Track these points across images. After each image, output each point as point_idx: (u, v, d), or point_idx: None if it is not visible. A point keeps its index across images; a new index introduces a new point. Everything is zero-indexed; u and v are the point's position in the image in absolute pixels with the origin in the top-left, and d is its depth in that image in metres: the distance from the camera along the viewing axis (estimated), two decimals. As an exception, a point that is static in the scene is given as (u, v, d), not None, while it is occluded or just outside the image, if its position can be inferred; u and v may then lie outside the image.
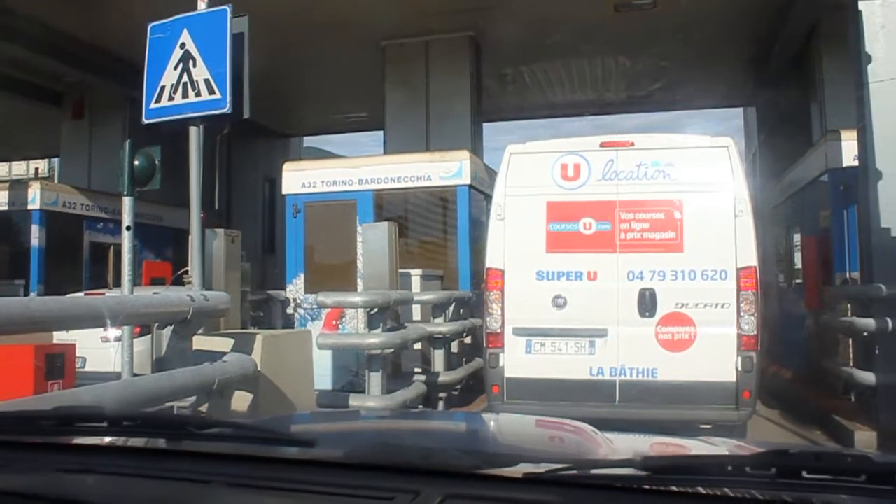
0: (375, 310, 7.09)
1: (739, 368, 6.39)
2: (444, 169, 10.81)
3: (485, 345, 7.01)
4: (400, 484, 1.31)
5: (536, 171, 6.93)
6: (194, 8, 6.26)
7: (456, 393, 9.22)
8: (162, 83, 6.17)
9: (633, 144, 6.91)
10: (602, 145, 6.94)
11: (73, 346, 6.88)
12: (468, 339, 9.96)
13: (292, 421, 2.32)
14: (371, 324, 7.13)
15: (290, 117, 20.99)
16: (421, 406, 8.17)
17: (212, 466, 1.40)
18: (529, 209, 6.86)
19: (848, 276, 9.59)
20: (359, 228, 10.21)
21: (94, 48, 14.57)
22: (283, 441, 1.49)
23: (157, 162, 6.64)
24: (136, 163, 6.56)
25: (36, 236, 13.82)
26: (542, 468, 1.33)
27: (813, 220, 11.01)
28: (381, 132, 15.60)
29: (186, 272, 7.27)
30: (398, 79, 14.78)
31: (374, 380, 6.98)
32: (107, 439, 1.62)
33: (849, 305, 8.89)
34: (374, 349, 7.00)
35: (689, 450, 1.95)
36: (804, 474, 1.26)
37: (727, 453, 1.82)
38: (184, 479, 1.38)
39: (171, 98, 6.14)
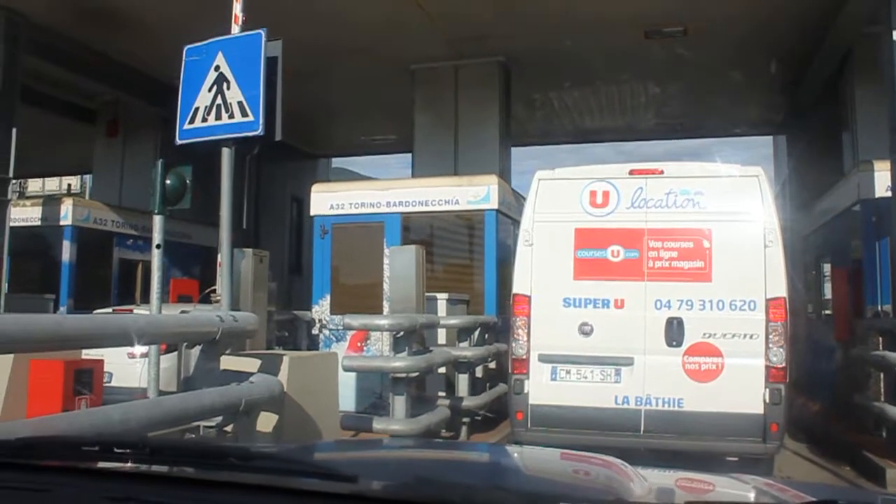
0: (401, 333, 7.09)
1: (767, 401, 6.31)
2: (472, 193, 10.83)
3: (510, 370, 6.98)
4: None
5: (565, 197, 6.93)
6: (229, 31, 6.35)
7: (479, 418, 9.18)
8: (196, 104, 6.25)
9: (662, 172, 6.89)
10: (631, 173, 6.93)
11: (101, 362, 6.94)
12: (493, 365, 9.92)
13: (329, 451, 2.32)
14: (396, 347, 7.14)
15: (319, 138, 21.14)
16: (444, 430, 8.14)
17: (252, 498, 1.41)
18: (557, 235, 6.85)
19: (880, 308, 9.47)
20: (386, 251, 10.24)
21: (130, 69, 14.79)
22: (326, 475, 1.50)
23: (187, 182, 6.70)
24: (168, 182, 6.62)
25: (67, 251, 13.99)
26: None
27: (844, 250, 10.89)
28: (410, 155, 15.66)
29: (214, 290, 7.32)
30: (427, 102, 14.85)
31: (399, 403, 6.98)
32: (149, 467, 1.63)
33: (880, 339, 8.76)
34: (398, 372, 7.00)
35: (717, 489, 1.93)
36: None
37: (755, 494, 1.80)
38: None
39: (204, 119, 6.22)
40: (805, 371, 11.69)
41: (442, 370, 8.79)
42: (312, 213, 11.60)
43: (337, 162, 25.02)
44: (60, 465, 1.63)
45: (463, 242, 11.36)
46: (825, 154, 14.63)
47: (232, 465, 1.54)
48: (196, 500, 1.44)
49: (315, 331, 11.35)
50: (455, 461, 2.16)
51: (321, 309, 11.20)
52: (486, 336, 9.71)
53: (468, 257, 11.26)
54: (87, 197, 21.46)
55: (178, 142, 6.39)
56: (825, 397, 10.90)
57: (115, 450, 1.67)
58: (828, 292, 11.74)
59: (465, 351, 8.92)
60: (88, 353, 6.76)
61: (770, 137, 21.33)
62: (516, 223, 7.66)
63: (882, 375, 8.88)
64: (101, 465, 1.63)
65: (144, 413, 3.89)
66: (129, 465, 1.63)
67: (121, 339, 4.28)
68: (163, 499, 1.47)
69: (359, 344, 10.47)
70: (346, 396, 8.46)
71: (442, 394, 9.06)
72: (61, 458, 1.66)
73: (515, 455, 2.74)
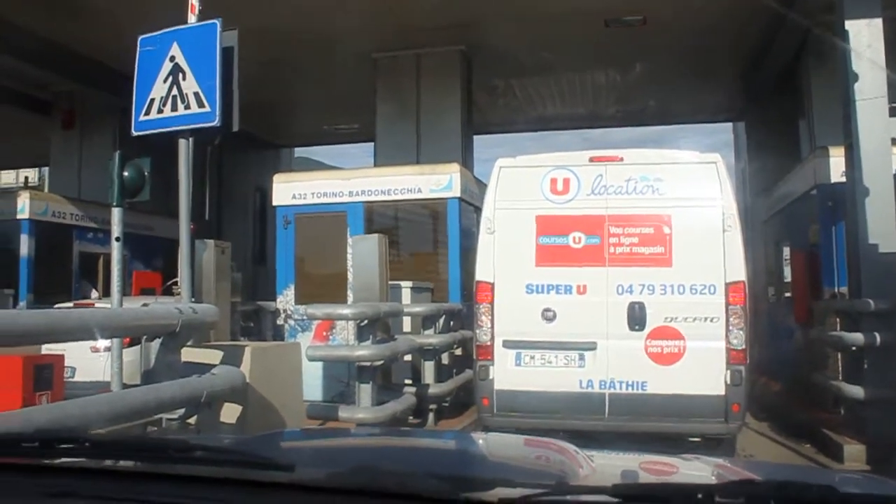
0: (365, 322, 7.09)
1: (728, 382, 6.41)
2: (435, 181, 10.82)
3: (475, 357, 7.03)
4: None
5: (526, 184, 6.96)
6: (184, 21, 6.27)
7: (446, 405, 9.21)
8: (151, 96, 6.17)
9: (622, 159, 6.95)
10: (591, 160, 6.98)
11: (61, 357, 6.87)
12: (458, 352, 9.95)
13: (274, 442, 2.32)
14: (361, 336, 7.13)
15: (282, 128, 20.98)
16: (411, 417, 8.16)
17: (193, 490, 1.41)
18: (519, 223, 6.89)
19: (837, 290, 9.63)
20: (349, 240, 10.21)
21: (86, 58, 14.54)
22: (264, 465, 1.50)
23: (146, 173, 6.64)
24: (126, 174, 6.56)
25: (25, 246, 13.72)
26: (517, 493, 1.33)
27: (802, 234, 11.06)
28: (372, 144, 15.62)
29: (176, 283, 7.26)
30: (389, 91, 14.81)
31: (364, 391, 6.98)
32: (90, 462, 1.62)
33: (837, 320, 8.93)
34: (363, 361, 7.00)
35: (670, 471, 1.95)
36: None
37: (705, 476, 1.83)
38: None
39: (160, 111, 6.14)
40: (766, 352, 11.87)
41: (408, 358, 8.80)
42: (275, 203, 11.52)
43: (300, 151, 24.90)
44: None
45: (426, 231, 11.35)
46: (783, 140, 14.83)
47: (171, 458, 1.54)
48: (135, 492, 1.44)
49: (280, 321, 11.30)
50: (404, 449, 2.17)
51: (285, 299, 11.15)
52: (452, 323, 9.74)
53: (432, 245, 11.26)
54: (45, 190, 21.09)
55: (134, 133, 6.31)
56: (786, 377, 11.08)
57: (55, 445, 1.65)
58: (788, 275, 11.92)
59: (430, 338, 8.94)
60: (49, 348, 6.68)
61: (730, 124, 21.59)
62: (479, 211, 7.68)
63: (839, 355, 9.06)
64: (41, 461, 1.61)
65: (103, 408, 3.86)
66: (67, 459, 1.61)
67: (78, 333, 4.25)
68: (102, 492, 1.46)
69: (324, 333, 10.44)
70: (314, 386, 8.45)
71: (408, 381, 9.08)
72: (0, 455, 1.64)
73: (474, 442, 2.75)
